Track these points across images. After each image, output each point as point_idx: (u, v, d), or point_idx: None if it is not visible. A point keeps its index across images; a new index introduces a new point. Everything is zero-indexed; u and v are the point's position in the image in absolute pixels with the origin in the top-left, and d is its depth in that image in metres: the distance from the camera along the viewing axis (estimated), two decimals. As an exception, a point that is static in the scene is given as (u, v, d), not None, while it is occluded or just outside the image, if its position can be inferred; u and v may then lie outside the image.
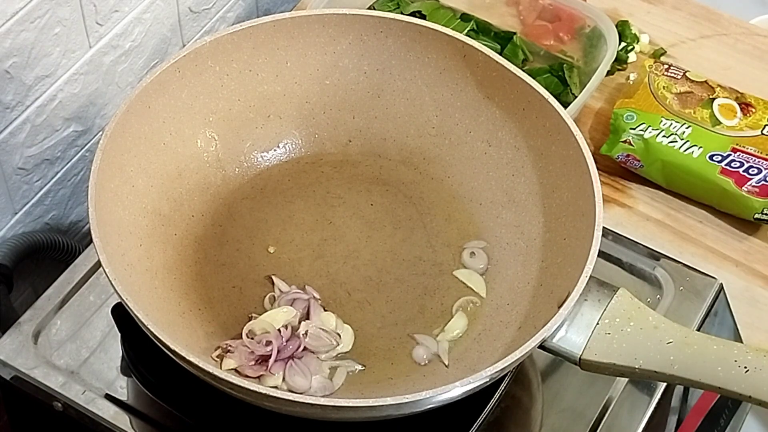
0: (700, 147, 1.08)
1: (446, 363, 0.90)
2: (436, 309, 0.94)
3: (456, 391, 0.77)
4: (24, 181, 1.01)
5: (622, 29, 1.21)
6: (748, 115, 1.11)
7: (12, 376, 0.92)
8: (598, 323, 0.84)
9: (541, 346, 0.83)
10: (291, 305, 0.92)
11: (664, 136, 1.09)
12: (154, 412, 0.90)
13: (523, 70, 0.95)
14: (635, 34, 1.22)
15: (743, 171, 1.06)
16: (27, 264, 1.04)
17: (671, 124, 1.09)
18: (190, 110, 0.97)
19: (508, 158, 0.98)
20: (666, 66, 1.16)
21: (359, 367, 0.89)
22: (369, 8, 1.18)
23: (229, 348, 0.87)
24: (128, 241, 0.89)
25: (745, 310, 1.02)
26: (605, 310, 0.85)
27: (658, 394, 0.93)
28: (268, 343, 0.88)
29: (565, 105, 1.04)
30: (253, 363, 0.87)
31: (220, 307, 0.92)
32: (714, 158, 1.07)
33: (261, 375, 0.87)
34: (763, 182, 1.05)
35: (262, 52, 0.98)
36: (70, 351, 0.93)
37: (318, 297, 0.93)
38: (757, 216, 1.05)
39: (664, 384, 0.93)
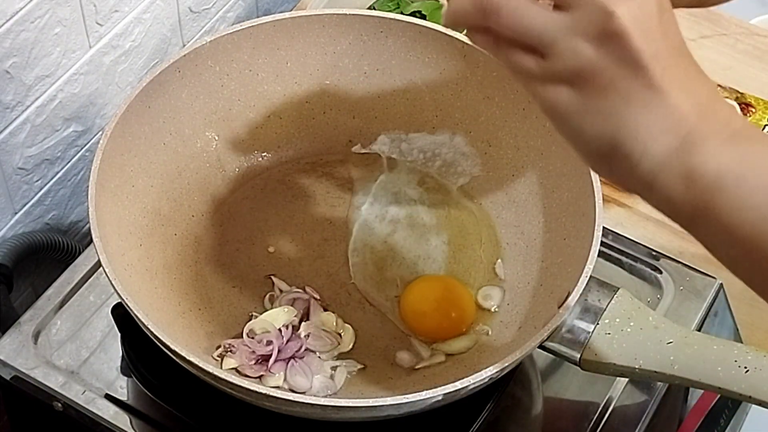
0: (700, 147, 1.07)
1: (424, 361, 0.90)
2: (436, 309, 0.94)
3: (456, 391, 0.77)
4: (24, 181, 1.01)
5: (622, 29, 1.21)
6: (748, 115, 1.11)
7: (12, 376, 0.92)
8: (598, 323, 0.84)
9: (541, 346, 0.83)
10: (291, 305, 0.92)
11: (664, 136, 1.08)
12: (154, 412, 0.90)
13: (524, 70, 0.95)
14: (635, 34, 1.22)
15: (743, 171, 1.06)
16: (27, 264, 1.04)
17: (671, 124, 1.09)
18: (190, 110, 0.97)
19: (508, 158, 0.98)
20: (666, 66, 1.16)
21: (360, 367, 0.89)
22: (369, 8, 1.18)
23: (230, 347, 0.88)
24: (128, 241, 0.89)
25: (745, 310, 1.02)
26: (605, 310, 0.85)
27: (658, 394, 0.93)
28: (269, 342, 0.88)
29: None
30: (253, 362, 0.87)
31: (220, 307, 0.92)
32: (714, 158, 1.07)
33: (261, 375, 0.87)
34: (763, 182, 1.05)
35: (262, 52, 0.98)
36: (70, 351, 0.93)
37: (318, 297, 0.93)
38: (757, 216, 1.05)
39: (664, 384, 0.93)
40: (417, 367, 0.89)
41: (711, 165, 0.57)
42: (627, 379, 0.92)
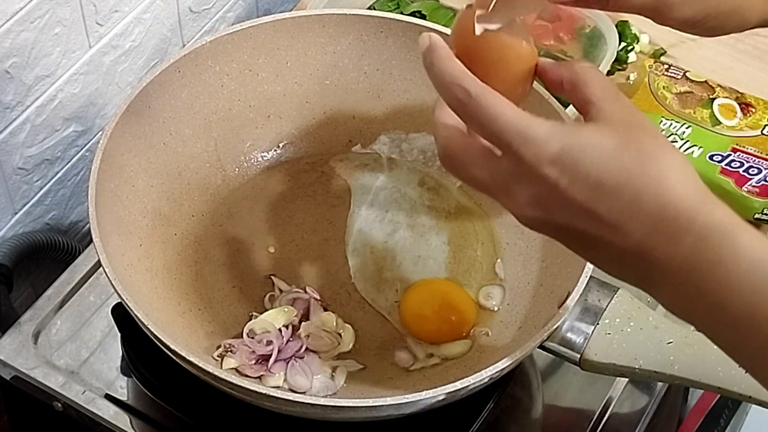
0: (700, 147, 1.08)
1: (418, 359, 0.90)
2: (436, 309, 0.94)
3: (456, 391, 0.77)
4: (24, 181, 1.01)
5: (622, 29, 1.21)
6: (748, 115, 1.11)
7: (12, 376, 0.92)
8: (598, 323, 0.84)
9: (541, 346, 0.83)
10: (291, 305, 0.92)
11: (664, 136, 1.09)
12: (154, 412, 0.90)
13: (523, 70, 0.94)
14: (635, 34, 1.22)
15: (743, 171, 1.06)
16: (27, 264, 1.04)
17: (671, 124, 1.09)
18: (190, 110, 0.97)
19: (508, 158, 0.98)
20: (666, 66, 1.16)
21: (360, 367, 0.89)
22: (369, 8, 1.18)
23: (230, 347, 0.88)
24: (128, 241, 0.89)
25: (745, 310, 1.02)
26: (605, 310, 0.85)
27: (658, 394, 0.93)
28: (269, 342, 0.88)
29: (565, 105, 1.03)
30: (253, 362, 0.87)
31: (220, 307, 0.92)
32: (714, 158, 1.07)
33: (261, 375, 0.87)
34: (763, 182, 1.05)
35: (262, 52, 0.98)
36: (70, 351, 0.93)
37: (318, 297, 0.93)
38: (757, 216, 1.05)
39: (664, 384, 0.93)
40: (414, 368, 0.89)
41: (672, 304, 0.58)
42: (627, 379, 0.92)
